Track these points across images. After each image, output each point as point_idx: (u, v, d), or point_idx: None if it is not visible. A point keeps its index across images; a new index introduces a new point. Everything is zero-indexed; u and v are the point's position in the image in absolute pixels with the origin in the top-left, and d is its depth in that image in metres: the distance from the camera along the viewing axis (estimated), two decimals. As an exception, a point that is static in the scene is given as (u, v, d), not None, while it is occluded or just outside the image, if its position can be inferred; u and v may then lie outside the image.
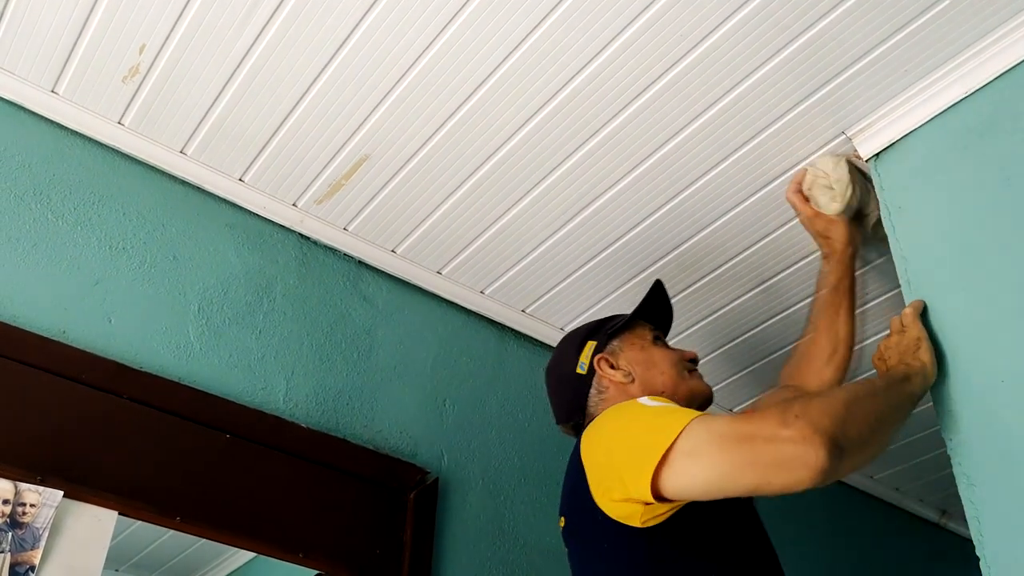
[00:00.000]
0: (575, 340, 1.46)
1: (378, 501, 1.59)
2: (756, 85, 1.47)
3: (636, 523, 1.12)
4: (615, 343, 1.43)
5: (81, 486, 1.28)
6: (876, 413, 1.13)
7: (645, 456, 1.08)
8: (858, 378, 1.63)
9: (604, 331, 1.44)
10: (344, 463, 1.57)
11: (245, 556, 1.67)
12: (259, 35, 1.42)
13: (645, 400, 1.21)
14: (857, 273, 1.65)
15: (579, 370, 1.40)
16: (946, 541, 2.66)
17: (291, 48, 1.44)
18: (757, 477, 1.05)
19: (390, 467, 1.62)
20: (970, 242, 1.34)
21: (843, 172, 1.53)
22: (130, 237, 1.54)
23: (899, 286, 1.44)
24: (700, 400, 1.40)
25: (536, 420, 1.94)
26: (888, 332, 1.37)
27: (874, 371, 1.34)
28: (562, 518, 1.29)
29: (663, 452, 1.07)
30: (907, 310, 1.35)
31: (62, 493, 1.25)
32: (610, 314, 1.58)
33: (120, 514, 1.31)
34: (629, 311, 1.48)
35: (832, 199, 1.53)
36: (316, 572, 1.53)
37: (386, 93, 1.51)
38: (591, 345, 1.42)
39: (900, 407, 1.19)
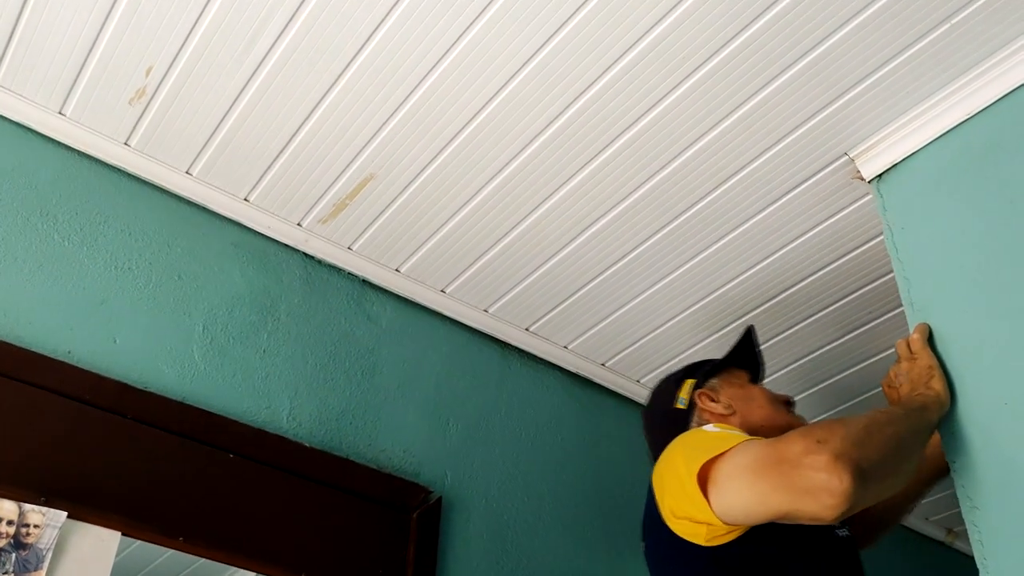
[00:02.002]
0: (671, 380, 1.52)
1: (381, 521, 1.58)
2: (758, 107, 1.48)
3: (700, 541, 1.16)
4: (714, 380, 1.49)
5: (85, 507, 1.28)
6: (897, 440, 1.14)
7: (692, 477, 1.13)
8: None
9: (703, 370, 1.50)
10: (347, 482, 1.57)
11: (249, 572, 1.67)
12: (264, 57, 1.44)
13: (710, 427, 1.29)
14: (856, 295, 1.75)
15: (678, 405, 1.46)
16: (953, 560, 2.64)
17: (296, 69, 1.45)
18: (786, 502, 1.07)
19: (393, 486, 1.62)
20: (973, 264, 1.34)
21: None
22: (135, 257, 1.55)
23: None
24: None
25: (540, 439, 1.94)
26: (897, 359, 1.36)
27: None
28: (644, 543, 1.34)
29: (707, 472, 1.12)
30: (914, 335, 1.34)
31: (66, 514, 1.26)
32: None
33: (124, 535, 1.31)
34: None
35: None
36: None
37: (391, 113, 1.52)
38: (690, 383, 1.48)
39: (919, 435, 1.20)
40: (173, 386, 1.48)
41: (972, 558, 1.18)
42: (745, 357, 1.56)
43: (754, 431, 1.35)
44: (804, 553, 1.22)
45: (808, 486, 1.04)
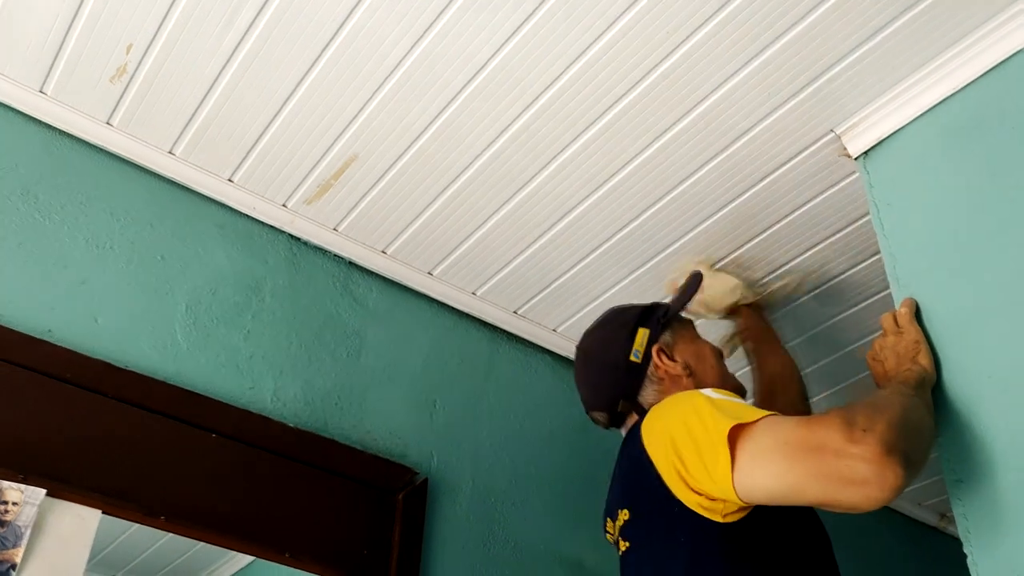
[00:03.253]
0: (623, 327, 1.43)
1: (366, 501, 1.58)
2: (742, 84, 1.47)
3: (717, 517, 1.11)
4: (667, 334, 1.43)
5: (64, 485, 1.28)
6: (923, 422, 1.12)
7: (724, 446, 1.07)
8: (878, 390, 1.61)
9: (655, 320, 1.43)
10: (332, 463, 1.56)
11: (242, 561, 1.66)
12: (245, 34, 1.43)
13: (709, 392, 1.20)
14: (843, 277, 1.79)
15: (633, 358, 1.38)
16: (946, 545, 2.64)
17: (277, 47, 1.44)
18: (824, 492, 1.02)
19: (378, 467, 1.62)
20: (958, 238, 1.33)
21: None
22: (117, 237, 1.54)
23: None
24: (739, 395, 1.39)
25: (528, 421, 1.93)
26: (882, 332, 1.36)
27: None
28: (623, 512, 1.26)
29: (732, 446, 1.06)
30: (902, 310, 1.34)
31: (45, 491, 1.25)
32: (617, 306, 1.56)
33: (104, 513, 1.31)
34: (611, 314, 1.50)
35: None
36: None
37: (374, 91, 1.51)
38: (644, 333, 1.41)
39: (931, 414, 1.18)
40: (155, 366, 1.47)
41: (964, 542, 1.17)
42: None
43: None
44: (803, 525, 1.21)
45: (854, 478, 0.99)
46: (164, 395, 1.44)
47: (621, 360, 1.39)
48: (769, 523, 1.14)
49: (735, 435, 1.08)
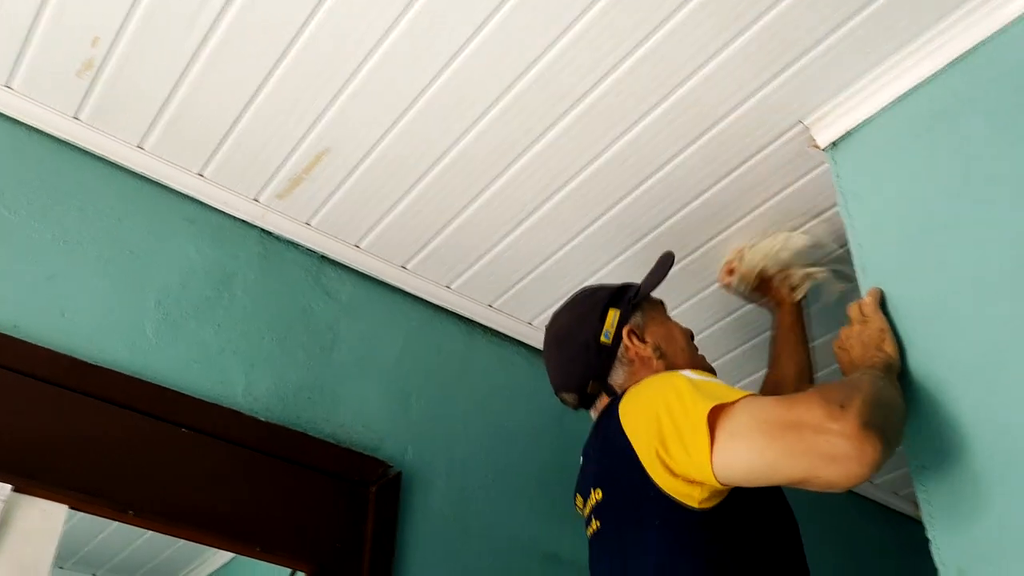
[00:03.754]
0: (594, 307, 1.42)
1: (339, 495, 1.58)
2: (709, 76, 1.47)
3: (693, 504, 1.11)
4: (638, 315, 1.42)
5: (31, 480, 1.27)
6: (896, 402, 1.13)
7: (702, 430, 1.07)
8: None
9: (626, 300, 1.43)
10: (304, 457, 1.56)
11: (221, 559, 1.66)
12: (213, 25, 1.42)
13: (689, 373, 1.20)
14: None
15: (603, 339, 1.37)
16: (922, 534, 2.66)
17: (247, 39, 1.43)
18: (804, 469, 1.02)
19: (351, 461, 1.61)
20: (924, 228, 1.34)
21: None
22: (86, 232, 1.53)
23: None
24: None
25: (503, 414, 1.93)
26: (848, 321, 1.37)
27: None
28: (596, 491, 1.25)
29: (712, 425, 1.06)
30: (867, 299, 1.35)
31: (11, 487, 1.25)
32: (588, 286, 1.55)
33: (71, 508, 1.30)
34: (583, 294, 1.48)
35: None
36: (290, 572, 1.53)
37: (344, 84, 1.50)
38: (615, 313, 1.40)
39: (901, 395, 1.19)
40: (124, 361, 1.47)
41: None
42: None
43: None
44: (772, 511, 1.22)
45: (834, 453, 0.99)
46: (133, 390, 1.44)
47: (591, 341, 1.38)
48: (741, 511, 1.14)
49: (715, 415, 1.08)
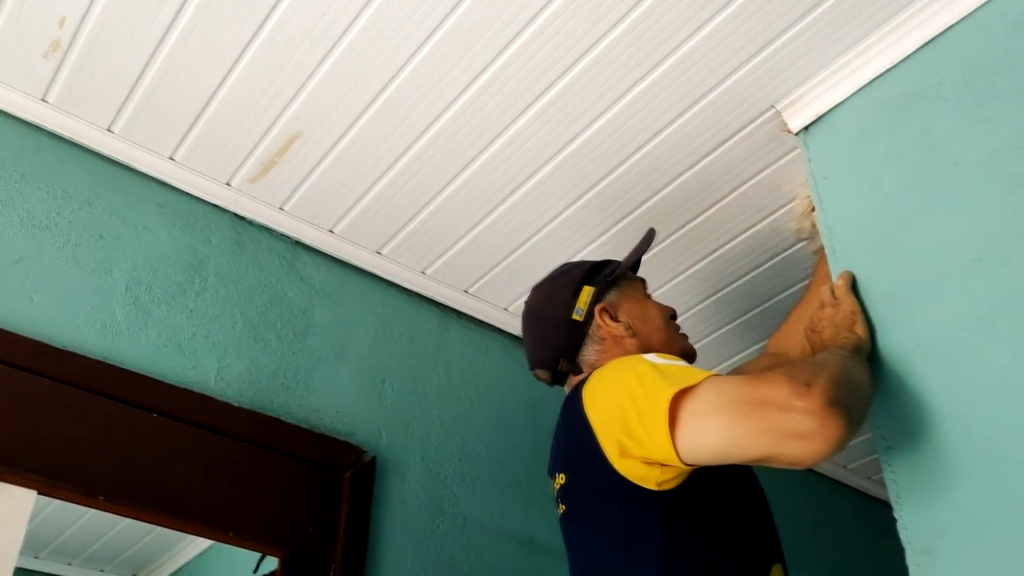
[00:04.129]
0: (569, 284, 1.41)
1: (313, 480, 1.57)
2: (682, 60, 1.47)
3: (651, 485, 1.11)
4: (613, 293, 1.41)
5: (-1, 465, 1.26)
6: (862, 381, 1.14)
7: (662, 414, 1.07)
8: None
9: (602, 278, 1.42)
10: (277, 442, 1.56)
11: (199, 547, 1.65)
12: (183, 6, 1.40)
13: (652, 357, 1.19)
14: (791, 251, 1.76)
15: (575, 316, 1.37)
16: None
17: (216, 18, 1.41)
18: (768, 446, 1.02)
19: (325, 446, 1.61)
20: (892, 211, 1.35)
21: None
22: (54, 216, 1.51)
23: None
24: (687, 358, 1.39)
25: (479, 399, 1.93)
26: (820, 304, 1.37)
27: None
28: (560, 475, 1.25)
29: (674, 410, 1.06)
30: (839, 282, 1.36)
31: (-22, 472, 1.23)
32: (569, 262, 1.54)
33: (40, 493, 1.29)
34: (560, 270, 1.47)
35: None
36: (259, 556, 1.52)
37: (315, 67, 1.49)
38: (589, 291, 1.39)
39: (870, 378, 1.20)
40: (93, 345, 1.45)
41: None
42: (638, 262, 1.50)
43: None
44: (742, 496, 1.23)
45: (799, 431, 1.00)
46: (103, 375, 1.42)
47: (563, 318, 1.38)
48: (702, 492, 1.15)
49: (679, 398, 1.08)
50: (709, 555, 1.13)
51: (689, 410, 1.07)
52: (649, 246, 1.50)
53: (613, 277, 1.42)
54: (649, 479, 1.11)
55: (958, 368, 1.17)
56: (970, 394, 1.14)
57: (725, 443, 1.05)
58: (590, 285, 1.40)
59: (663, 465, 1.10)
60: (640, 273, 1.55)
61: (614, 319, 1.38)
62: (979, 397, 1.14)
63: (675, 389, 1.08)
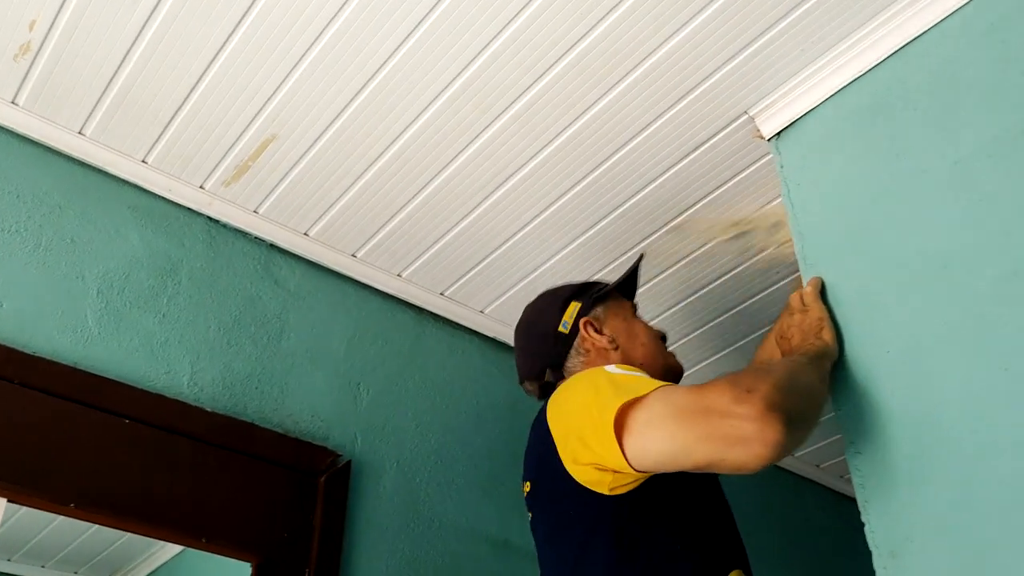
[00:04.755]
0: (557, 299, 1.47)
1: (287, 485, 1.57)
2: (654, 68, 1.48)
3: (604, 490, 1.14)
4: (599, 309, 1.45)
5: (-34, 473, 1.25)
6: (811, 388, 1.15)
7: (609, 423, 1.09)
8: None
9: (589, 295, 1.46)
10: (251, 447, 1.55)
11: (173, 550, 1.64)
12: (155, 8, 1.39)
13: (612, 368, 1.22)
14: (764, 255, 1.80)
15: (561, 328, 1.42)
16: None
17: (190, 21, 1.40)
18: (711, 452, 1.05)
19: (299, 450, 1.61)
20: (861, 218, 1.37)
21: None
22: (24, 220, 1.50)
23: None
24: (673, 375, 1.44)
25: (455, 402, 1.94)
26: (789, 310, 1.39)
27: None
28: (527, 483, 1.29)
29: (623, 419, 1.09)
30: (807, 288, 1.37)
31: (-54, 480, 1.22)
32: (550, 288, 1.59)
33: (9, 501, 1.28)
34: (551, 289, 1.50)
35: None
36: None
37: (291, 69, 1.49)
38: (575, 306, 1.44)
39: (824, 383, 1.22)
40: (64, 351, 1.44)
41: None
42: (629, 286, 1.54)
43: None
44: (698, 501, 1.24)
45: (739, 436, 1.02)
46: (74, 381, 1.42)
47: (550, 331, 1.43)
48: (656, 498, 1.16)
49: (628, 408, 1.11)
50: (659, 559, 1.14)
51: (639, 420, 1.10)
52: (635, 271, 1.55)
53: (600, 295, 1.47)
54: (602, 484, 1.14)
55: (925, 373, 1.19)
56: (936, 399, 1.16)
57: (672, 450, 1.08)
58: (577, 301, 1.45)
59: (616, 472, 1.12)
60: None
61: (599, 332, 1.42)
62: (945, 402, 1.15)
63: (624, 399, 1.11)
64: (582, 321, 1.42)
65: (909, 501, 1.14)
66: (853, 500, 2.46)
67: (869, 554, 1.16)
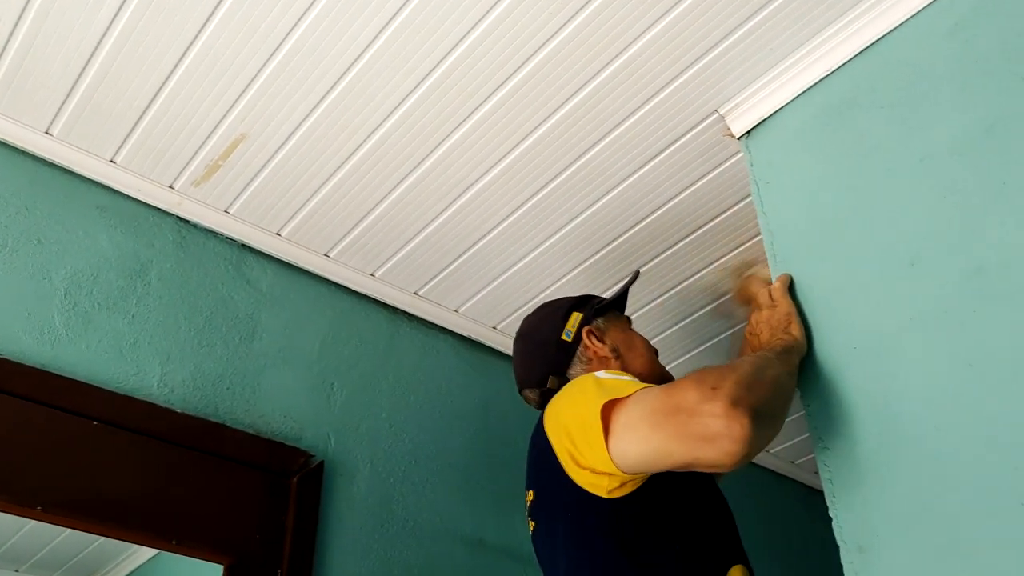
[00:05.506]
0: (559, 309, 1.50)
1: (259, 486, 1.56)
2: (625, 66, 1.48)
3: (602, 493, 1.14)
4: (600, 320, 1.48)
5: (-71, 477, 1.23)
6: (778, 382, 1.16)
7: (596, 426, 1.11)
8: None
9: (590, 306, 1.49)
10: (223, 448, 1.54)
11: (148, 552, 1.63)
12: (122, 5, 1.37)
13: (601, 373, 1.24)
14: (735, 254, 1.83)
15: (564, 337, 1.44)
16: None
17: (158, 18, 1.39)
18: (686, 451, 1.06)
19: (271, 451, 1.60)
20: (830, 215, 1.38)
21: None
22: (-11, 220, 1.48)
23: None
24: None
25: (429, 402, 1.93)
26: (758, 306, 1.40)
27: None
28: (530, 492, 1.30)
29: (607, 421, 1.11)
30: (776, 284, 1.39)
31: (-91, 484, 1.20)
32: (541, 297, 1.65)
33: (-27, 505, 1.26)
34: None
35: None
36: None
37: (260, 68, 1.48)
38: (577, 316, 1.46)
39: (792, 377, 1.23)
40: (31, 353, 1.42)
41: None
42: (622, 302, 1.57)
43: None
44: (696, 500, 1.25)
45: (707, 434, 1.03)
46: (41, 383, 1.40)
47: (552, 339, 1.45)
48: (653, 499, 1.17)
49: (609, 409, 1.12)
50: (657, 560, 1.15)
51: (620, 422, 1.11)
52: (629, 286, 1.58)
53: (600, 307, 1.50)
54: (599, 487, 1.15)
55: (891, 369, 1.20)
56: (902, 395, 1.17)
57: (649, 451, 1.09)
58: (579, 311, 1.47)
59: (609, 474, 1.13)
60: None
61: (601, 341, 1.44)
62: (911, 398, 1.16)
63: (606, 399, 1.13)
64: (585, 330, 1.45)
65: (876, 496, 1.15)
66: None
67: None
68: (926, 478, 1.11)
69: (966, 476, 1.08)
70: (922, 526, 1.10)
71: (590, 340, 1.44)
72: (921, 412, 1.15)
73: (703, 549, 1.20)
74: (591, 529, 1.17)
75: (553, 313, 1.50)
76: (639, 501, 1.16)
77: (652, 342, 2.05)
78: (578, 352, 1.43)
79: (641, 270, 1.91)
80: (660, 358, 1.55)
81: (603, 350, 1.43)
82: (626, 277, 1.67)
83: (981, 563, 1.03)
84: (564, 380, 1.41)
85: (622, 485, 1.14)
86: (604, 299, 1.54)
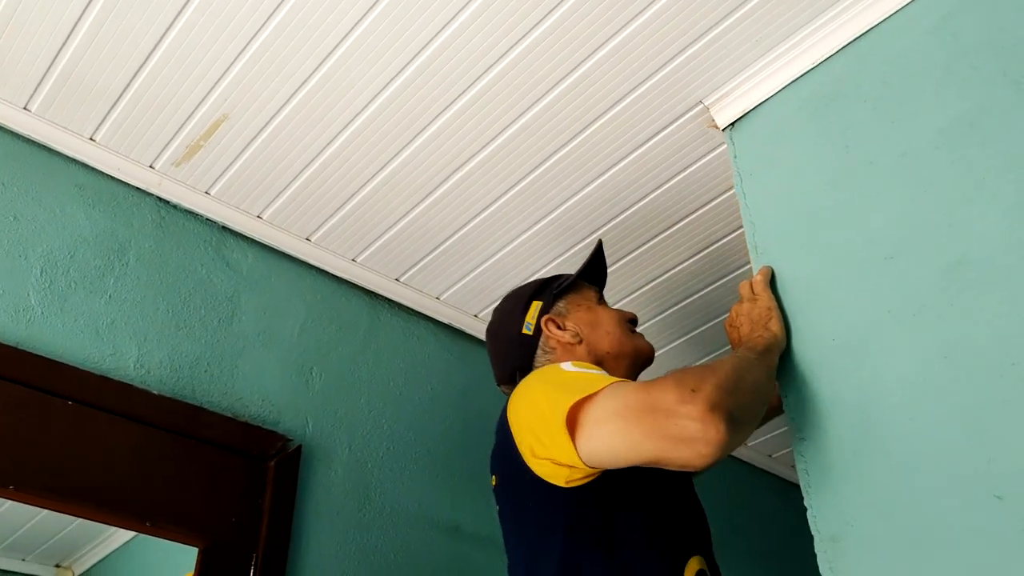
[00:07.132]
0: (519, 301, 1.47)
1: (235, 469, 1.55)
2: (609, 56, 1.48)
3: (560, 483, 1.14)
4: (561, 304, 1.46)
5: (-100, 454, 1.21)
6: (757, 386, 1.16)
7: (561, 421, 1.11)
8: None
9: (550, 291, 1.47)
10: (199, 431, 1.53)
11: (125, 536, 1.61)
12: (102, -18, 1.36)
13: (566, 365, 1.24)
14: (721, 243, 1.81)
15: (525, 330, 1.42)
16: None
17: (137, -3, 1.38)
18: (657, 450, 1.06)
19: (248, 434, 1.59)
20: (811, 208, 1.38)
21: None
22: (-36, 196, 1.46)
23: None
24: (644, 358, 1.44)
25: (408, 388, 1.93)
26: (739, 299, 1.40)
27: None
28: (494, 476, 1.30)
29: (575, 416, 1.10)
30: (757, 277, 1.39)
31: None
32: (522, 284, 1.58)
33: (-56, 484, 1.25)
34: (508, 277, 1.49)
35: None
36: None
37: (242, 48, 1.46)
38: (537, 305, 1.44)
39: (771, 379, 1.23)
40: (5, 330, 1.41)
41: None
42: (594, 272, 1.55)
43: (600, 359, 1.37)
44: (656, 490, 1.25)
45: (683, 435, 1.03)
46: (15, 361, 1.38)
47: (515, 333, 1.44)
48: (612, 489, 1.17)
49: (579, 406, 1.12)
50: (614, 549, 1.15)
51: (590, 417, 1.11)
52: (596, 257, 1.55)
53: (560, 289, 1.47)
54: (558, 477, 1.15)
55: (868, 362, 1.21)
56: (878, 388, 1.18)
57: (619, 447, 1.09)
58: (538, 300, 1.45)
59: (571, 467, 1.13)
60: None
61: (561, 328, 1.42)
62: (886, 390, 1.17)
63: (576, 397, 1.12)
64: (543, 319, 1.43)
65: (850, 486, 1.15)
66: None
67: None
68: (901, 469, 1.12)
69: (941, 468, 1.08)
70: (896, 517, 1.10)
71: (548, 328, 1.41)
72: (897, 404, 1.16)
73: (661, 538, 1.20)
74: (548, 517, 1.18)
75: (515, 306, 1.47)
76: (597, 491, 1.16)
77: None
78: (540, 343, 1.42)
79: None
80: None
81: (564, 337, 1.41)
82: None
83: (954, 554, 1.04)
84: (528, 374, 1.39)
85: (581, 477, 1.15)
86: (566, 278, 1.50)
